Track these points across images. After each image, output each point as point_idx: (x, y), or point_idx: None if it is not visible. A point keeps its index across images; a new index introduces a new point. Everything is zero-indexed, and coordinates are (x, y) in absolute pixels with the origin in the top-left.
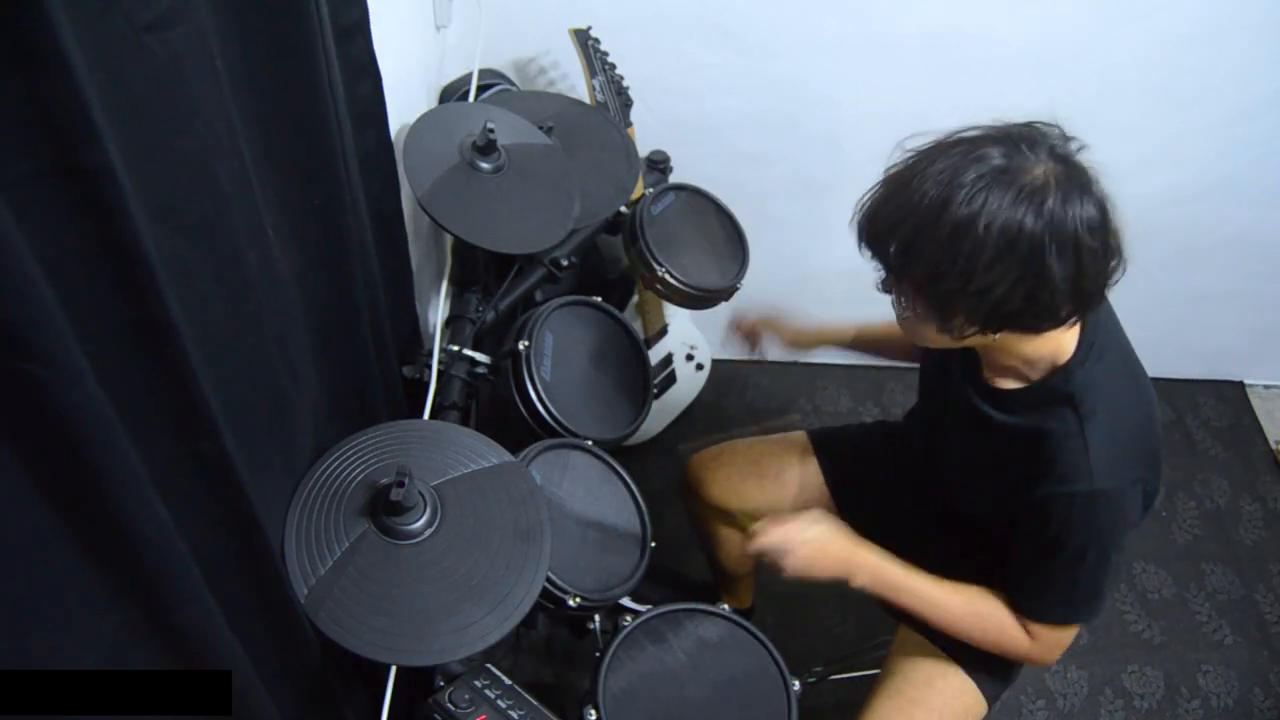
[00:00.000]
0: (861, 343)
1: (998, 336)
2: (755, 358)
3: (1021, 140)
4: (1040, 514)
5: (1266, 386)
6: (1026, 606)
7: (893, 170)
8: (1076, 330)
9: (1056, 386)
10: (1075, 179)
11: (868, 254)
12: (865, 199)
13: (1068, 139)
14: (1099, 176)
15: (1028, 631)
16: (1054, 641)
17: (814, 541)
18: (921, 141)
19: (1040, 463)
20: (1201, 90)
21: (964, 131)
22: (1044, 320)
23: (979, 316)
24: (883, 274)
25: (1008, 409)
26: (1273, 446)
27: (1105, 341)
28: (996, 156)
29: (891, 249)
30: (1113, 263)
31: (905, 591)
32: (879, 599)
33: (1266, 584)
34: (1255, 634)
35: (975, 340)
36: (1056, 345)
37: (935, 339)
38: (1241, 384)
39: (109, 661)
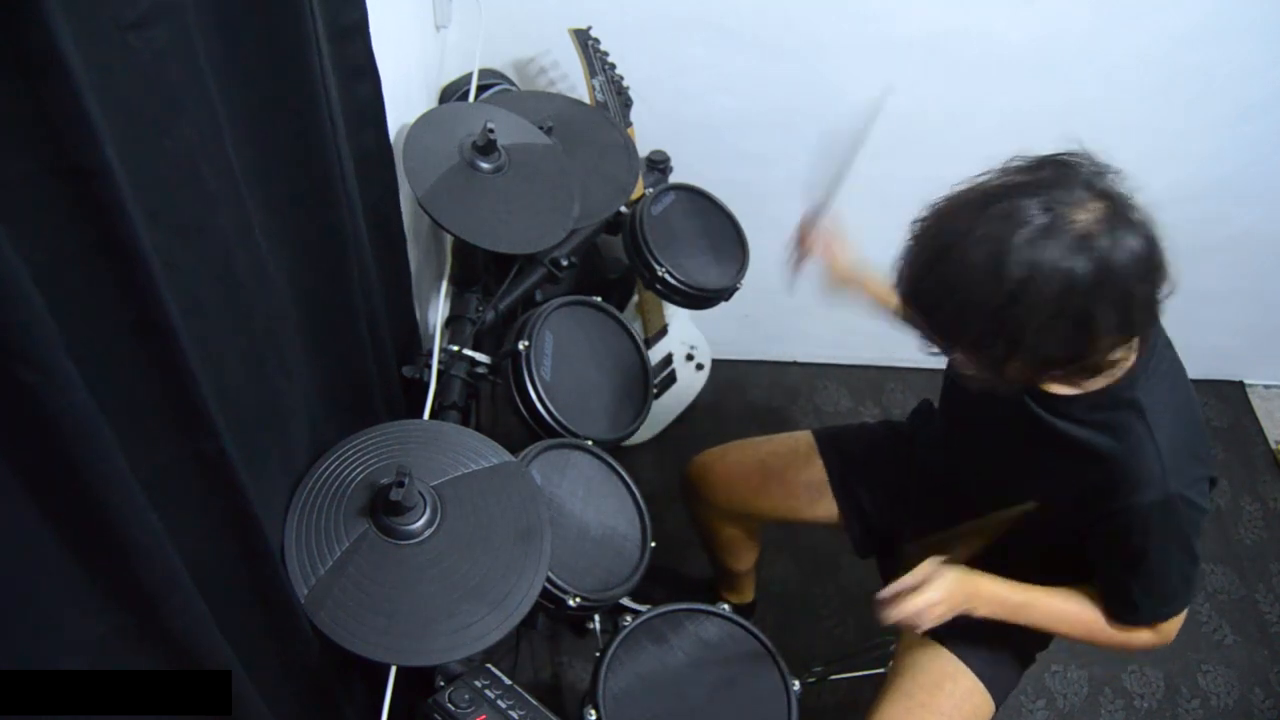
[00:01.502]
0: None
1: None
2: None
3: (1056, 185)
4: (1122, 525)
5: (1266, 386)
6: (1131, 617)
7: (929, 233)
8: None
9: (1121, 393)
10: (1120, 214)
11: (911, 322)
12: (903, 267)
13: (1101, 170)
14: (1141, 204)
15: (1150, 629)
16: (1170, 628)
17: (945, 599)
18: (941, 199)
19: (1113, 474)
20: (1202, 90)
21: (993, 180)
22: (1087, 375)
23: (1031, 370)
24: (927, 338)
25: (1068, 415)
26: (1273, 446)
27: (1161, 346)
28: (1037, 212)
29: (939, 320)
30: (1160, 292)
31: (1024, 609)
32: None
33: (1266, 584)
34: (1255, 634)
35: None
36: (1117, 355)
37: (989, 382)
38: (1241, 384)
39: (97, 666)
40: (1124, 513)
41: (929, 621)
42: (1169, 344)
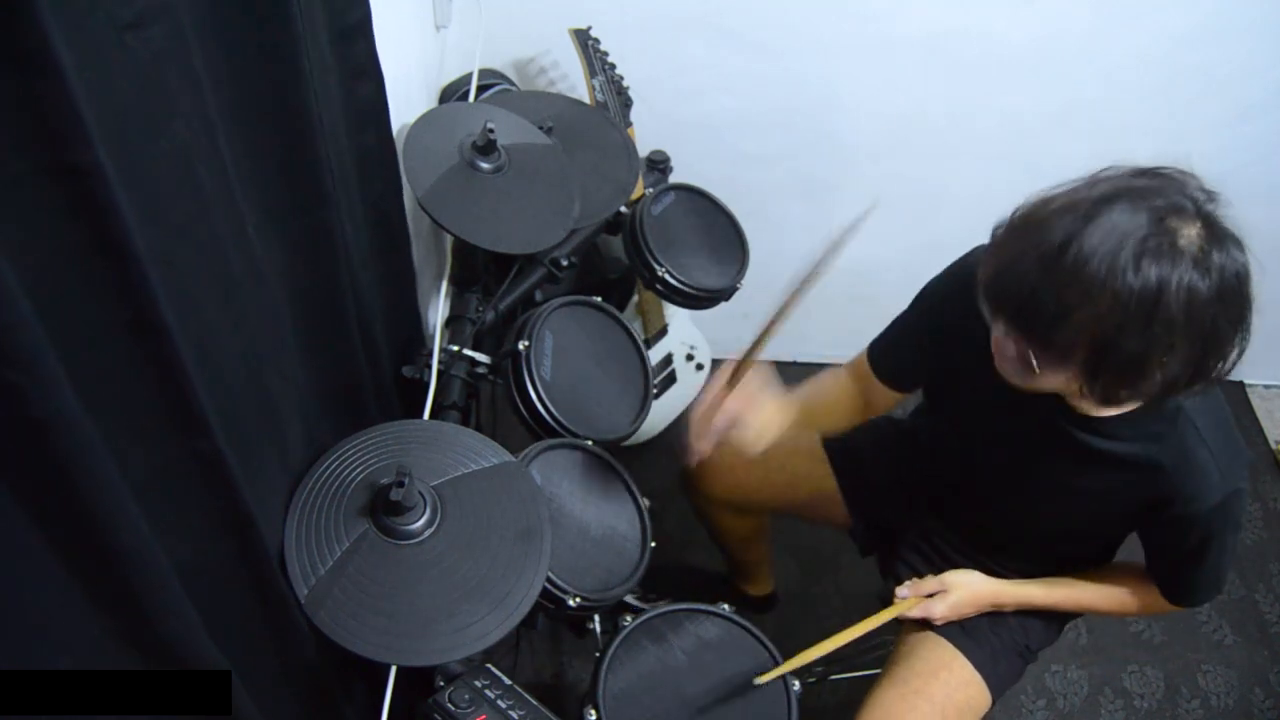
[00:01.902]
0: (808, 417)
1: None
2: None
3: (1166, 197)
4: (1183, 529)
5: (1266, 386)
6: (1190, 600)
7: (1035, 235)
8: None
9: (1165, 404)
10: (1222, 229)
11: (1002, 328)
12: (1003, 267)
13: (1209, 195)
14: (1239, 230)
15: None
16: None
17: (954, 607)
18: (1037, 202)
19: (1171, 483)
20: (1202, 90)
21: (1098, 188)
22: (1202, 384)
23: (1146, 390)
24: (1023, 347)
25: (1114, 435)
26: (1273, 446)
27: None
28: (1150, 225)
29: (1051, 333)
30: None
31: (1051, 604)
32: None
33: (1266, 584)
34: (1255, 634)
35: None
36: None
37: (1056, 388)
38: (1241, 384)
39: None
40: (1185, 519)
41: (939, 621)
42: None
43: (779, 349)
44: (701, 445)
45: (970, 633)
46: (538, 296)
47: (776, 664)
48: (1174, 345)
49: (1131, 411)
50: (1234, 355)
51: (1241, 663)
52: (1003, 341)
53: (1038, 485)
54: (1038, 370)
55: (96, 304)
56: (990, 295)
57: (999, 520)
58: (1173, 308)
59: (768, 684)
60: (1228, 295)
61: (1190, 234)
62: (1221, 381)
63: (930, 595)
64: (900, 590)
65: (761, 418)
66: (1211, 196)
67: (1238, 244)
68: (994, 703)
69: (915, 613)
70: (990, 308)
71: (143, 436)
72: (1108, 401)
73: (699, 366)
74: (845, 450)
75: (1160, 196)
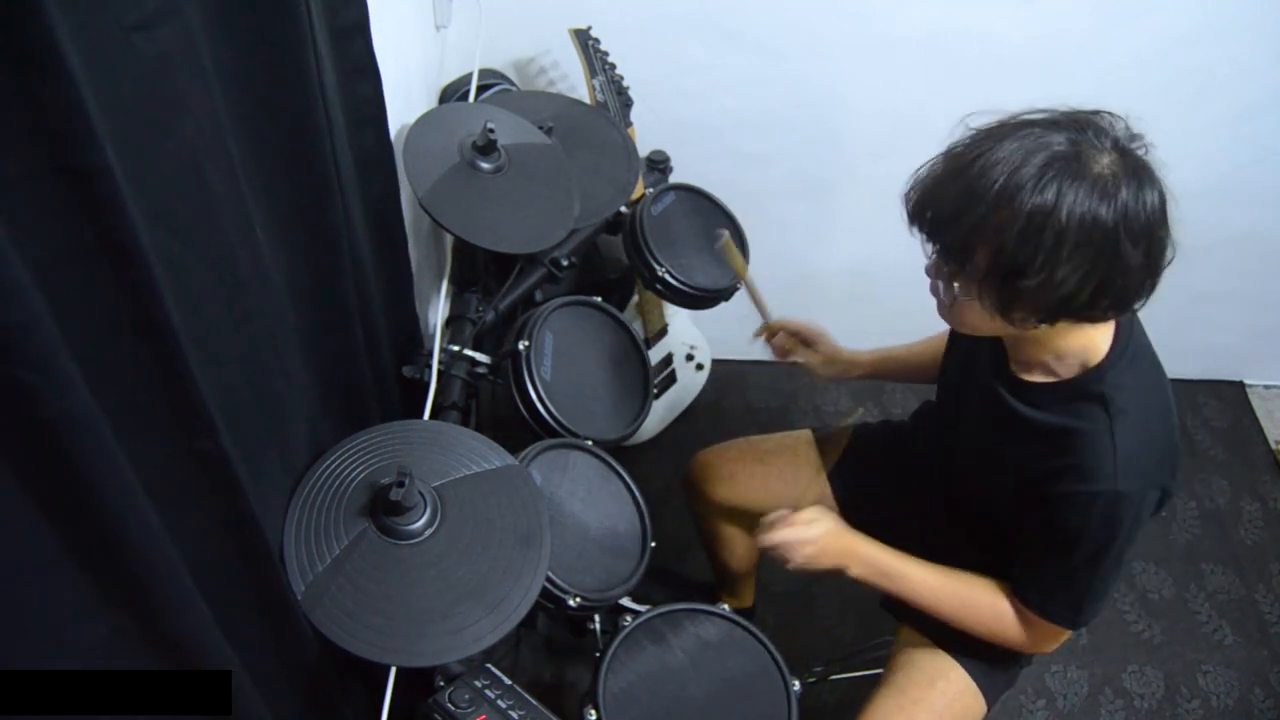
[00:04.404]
0: (886, 369)
1: (1043, 327)
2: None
3: (1088, 127)
4: (1059, 510)
5: (1266, 386)
6: (1038, 604)
7: (955, 149)
8: (1110, 331)
9: (1089, 385)
10: (1141, 170)
11: (920, 237)
12: (922, 175)
13: (1133, 135)
14: (1159, 169)
15: (1026, 622)
16: (1052, 635)
17: (817, 540)
18: (984, 120)
19: (1065, 459)
20: (1201, 90)
21: (1029, 114)
22: (1112, 310)
23: (1044, 307)
24: (935, 259)
25: (1035, 403)
26: (1273, 446)
27: (1137, 347)
28: (1062, 143)
29: (951, 235)
30: (1171, 251)
31: (899, 578)
32: (880, 591)
33: (1266, 584)
34: (1255, 634)
35: (1023, 330)
36: (1089, 343)
37: (984, 327)
38: (1241, 384)
39: (97, 667)
40: (1066, 498)
41: (797, 559)
42: (1152, 349)
43: None
44: (779, 338)
45: (966, 641)
46: (538, 296)
47: (776, 664)
48: (1069, 259)
49: (1057, 384)
50: (1139, 288)
51: (1241, 663)
52: (928, 266)
53: (978, 458)
54: (951, 289)
55: (100, 304)
56: (908, 203)
57: (964, 511)
58: (1066, 222)
59: (767, 684)
60: (1134, 226)
61: (1103, 162)
62: (1126, 311)
63: (796, 529)
64: (767, 518)
65: (835, 347)
66: (1135, 137)
67: (1152, 182)
68: (989, 710)
69: (778, 535)
70: (908, 216)
71: (144, 435)
72: (1006, 317)
73: (699, 366)
74: (842, 454)
75: (1086, 129)
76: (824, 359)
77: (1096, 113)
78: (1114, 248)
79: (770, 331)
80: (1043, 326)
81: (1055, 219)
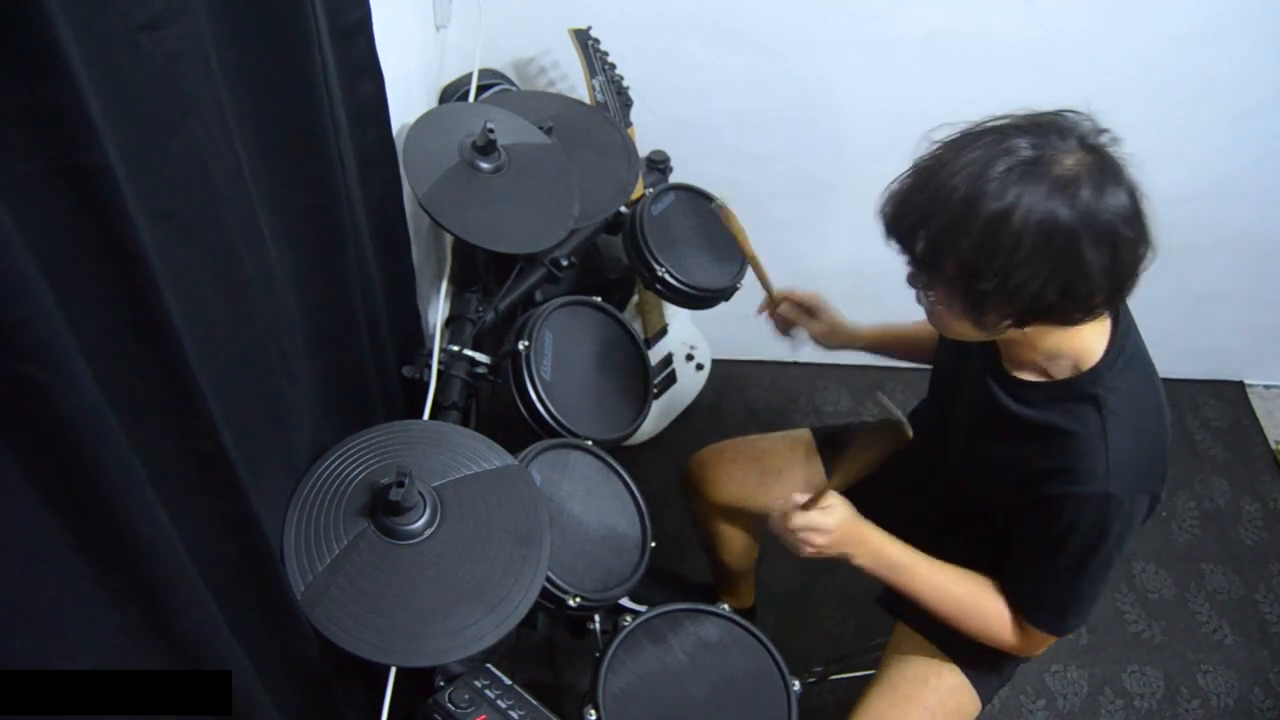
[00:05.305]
0: (887, 344)
1: (1028, 330)
2: (785, 347)
3: (1051, 130)
4: (1050, 511)
5: (1266, 386)
6: (1026, 607)
7: (921, 161)
8: (1106, 332)
9: (1082, 387)
10: (1106, 169)
11: (896, 248)
12: (893, 189)
13: (1099, 130)
14: (1129, 166)
15: (1019, 626)
16: (1041, 640)
17: (834, 529)
18: (949, 132)
19: (1056, 460)
20: (1201, 90)
21: (992, 121)
22: (1078, 312)
23: (1012, 311)
24: (911, 269)
25: (1027, 402)
26: (1273, 446)
27: (1133, 350)
28: (1025, 147)
29: (920, 245)
30: (1144, 250)
31: (906, 571)
32: (880, 584)
33: (1266, 584)
34: (1255, 634)
35: (1004, 334)
36: (1083, 344)
37: (965, 333)
38: (1241, 384)
39: (105, 666)
40: (1056, 500)
41: (808, 548)
42: (1146, 353)
43: (779, 349)
44: (783, 308)
45: (960, 638)
46: (538, 296)
47: (776, 664)
48: (1028, 262)
49: (1050, 384)
50: (1109, 290)
51: (1241, 663)
52: (907, 277)
53: (970, 456)
54: (928, 297)
55: (102, 303)
56: (882, 216)
57: (961, 512)
58: (1023, 224)
59: (767, 684)
60: (1096, 227)
61: (1066, 163)
62: (1099, 314)
63: (811, 515)
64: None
65: (838, 318)
66: (1101, 132)
67: (1118, 180)
68: (983, 708)
69: (798, 521)
70: (884, 230)
71: (146, 435)
72: (980, 322)
73: (699, 366)
74: (841, 454)
75: (1049, 131)
76: (827, 329)
77: (1060, 113)
78: (1075, 249)
79: (774, 304)
80: (1021, 330)
81: (1012, 222)
